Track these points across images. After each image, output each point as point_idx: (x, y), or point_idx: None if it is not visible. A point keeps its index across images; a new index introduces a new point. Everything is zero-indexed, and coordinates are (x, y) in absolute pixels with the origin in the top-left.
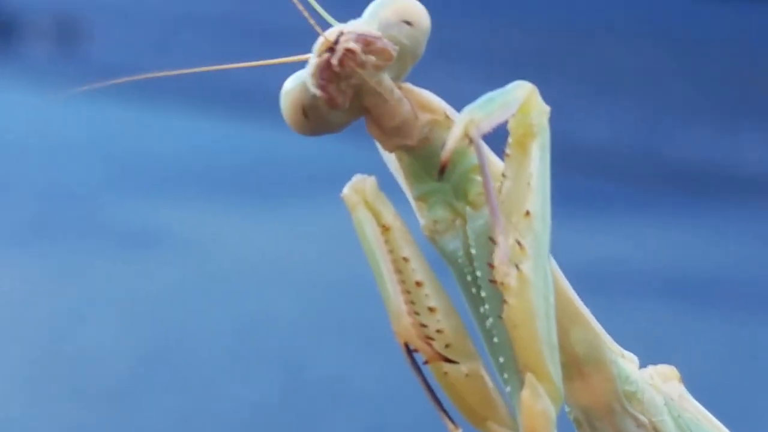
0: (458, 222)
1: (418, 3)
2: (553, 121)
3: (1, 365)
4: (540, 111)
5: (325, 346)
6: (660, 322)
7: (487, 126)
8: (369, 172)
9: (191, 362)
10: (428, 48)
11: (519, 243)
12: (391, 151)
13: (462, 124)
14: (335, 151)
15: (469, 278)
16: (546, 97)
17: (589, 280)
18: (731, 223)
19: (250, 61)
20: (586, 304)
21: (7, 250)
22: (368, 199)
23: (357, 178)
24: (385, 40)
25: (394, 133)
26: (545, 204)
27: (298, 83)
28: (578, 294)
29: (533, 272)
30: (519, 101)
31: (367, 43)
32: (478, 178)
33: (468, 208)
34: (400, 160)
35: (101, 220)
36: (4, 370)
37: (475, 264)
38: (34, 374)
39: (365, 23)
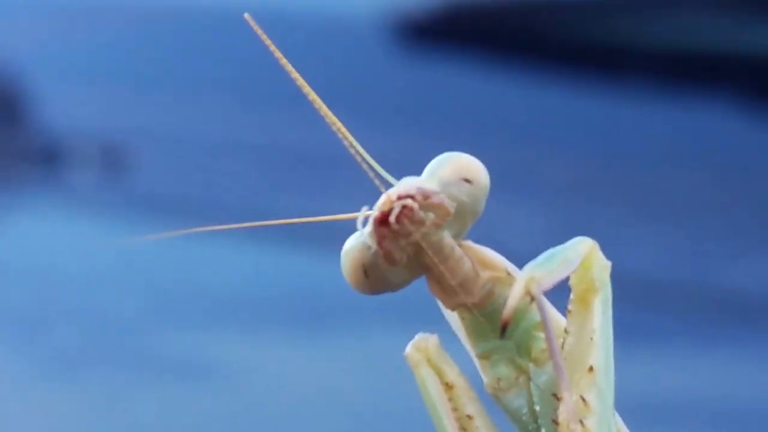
0: (522, 379)
1: (477, 161)
2: (603, 250)
3: None
4: (602, 266)
5: None
6: None
7: (549, 283)
8: (413, 299)
9: None
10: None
11: (583, 399)
12: (453, 309)
13: (523, 281)
14: None
15: None
16: (593, 226)
17: (643, 413)
18: None
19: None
20: None
21: (49, 382)
22: (431, 357)
23: (419, 337)
24: (443, 196)
25: (455, 292)
26: (609, 359)
27: (358, 242)
28: (633, 427)
29: (597, 428)
30: (580, 257)
31: (425, 197)
32: (541, 335)
33: (531, 365)
34: (461, 318)
35: (144, 350)
36: None
37: (540, 421)
38: None
39: (425, 181)
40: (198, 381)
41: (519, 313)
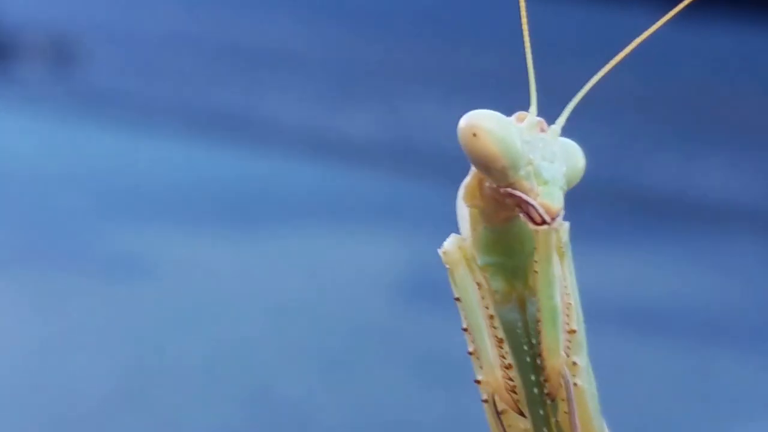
0: (515, 296)
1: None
2: None
3: None
4: (564, 229)
5: (293, 369)
6: (618, 350)
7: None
8: (351, 199)
9: (164, 388)
10: (409, 73)
11: (574, 362)
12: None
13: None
14: (320, 179)
15: (525, 348)
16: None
17: None
18: (693, 251)
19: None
20: None
21: None
22: (467, 257)
23: (455, 237)
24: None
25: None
26: (581, 320)
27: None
28: None
29: (587, 382)
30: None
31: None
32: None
33: (526, 292)
34: (474, 229)
35: (85, 246)
36: None
37: (532, 340)
38: (9, 401)
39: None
40: (132, 276)
41: (529, 240)
